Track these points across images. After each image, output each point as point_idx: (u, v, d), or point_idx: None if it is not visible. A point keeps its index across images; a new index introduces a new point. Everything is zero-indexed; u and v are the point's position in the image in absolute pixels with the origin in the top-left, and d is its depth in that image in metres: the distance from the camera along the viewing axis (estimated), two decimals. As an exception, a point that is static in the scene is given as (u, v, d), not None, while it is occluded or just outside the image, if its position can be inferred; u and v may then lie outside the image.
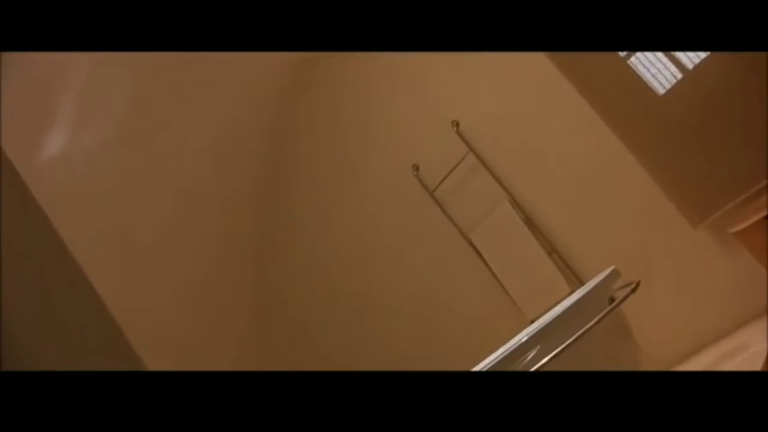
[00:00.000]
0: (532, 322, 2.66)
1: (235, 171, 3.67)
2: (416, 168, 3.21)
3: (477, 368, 1.56)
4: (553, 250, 2.81)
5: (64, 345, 0.98)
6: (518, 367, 1.40)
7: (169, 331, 3.45)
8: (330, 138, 3.56)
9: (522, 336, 1.55)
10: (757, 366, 1.80)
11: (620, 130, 2.54)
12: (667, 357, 2.54)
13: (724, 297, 2.39)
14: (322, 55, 3.38)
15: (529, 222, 2.85)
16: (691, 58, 2.37)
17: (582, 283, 2.67)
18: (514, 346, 1.44)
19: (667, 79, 2.43)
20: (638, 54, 2.48)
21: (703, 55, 2.33)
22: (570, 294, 2.46)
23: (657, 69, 2.46)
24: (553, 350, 1.37)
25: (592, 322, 1.41)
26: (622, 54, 2.48)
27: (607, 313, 1.45)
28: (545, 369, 1.36)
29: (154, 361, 1.18)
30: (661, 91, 2.44)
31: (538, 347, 1.40)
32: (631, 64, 2.49)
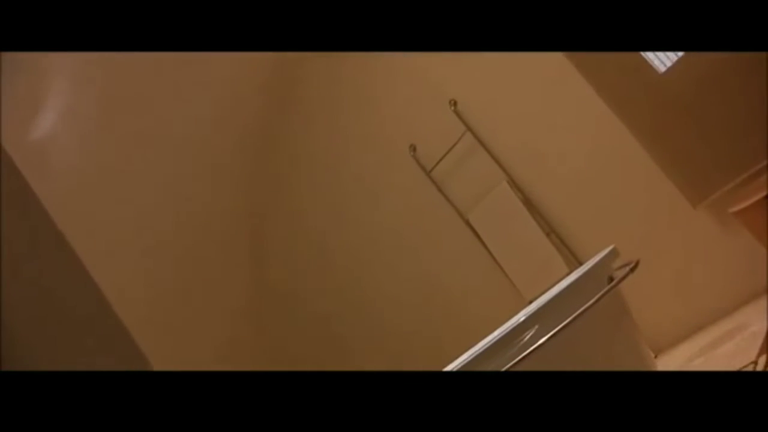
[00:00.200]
0: (531, 302, 2.67)
1: (229, 152, 3.66)
2: (413, 148, 3.20)
3: (474, 348, 1.56)
4: (551, 231, 2.82)
5: (61, 322, 0.98)
6: (516, 347, 1.40)
7: (164, 310, 3.46)
8: (326, 118, 3.54)
9: (520, 316, 1.55)
10: (756, 345, 1.81)
11: (619, 109, 2.53)
12: (667, 337, 2.56)
13: (724, 276, 2.40)
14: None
15: (528, 202, 2.85)
16: (693, 35, 2.35)
17: (580, 264, 2.67)
18: (512, 326, 1.45)
19: (667, 57, 2.42)
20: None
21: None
22: (568, 274, 2.46)
23: (657, 46, 2.45)
24: (551, 330, 1.38)
25: (590, 302, 1.41)
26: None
27: (606, 293, 1.45)
28: (543, 349, 1.36)
29: (149, 343, 1.17)
30: (662, 68, 2.43)
31: (536, 327, 1.40)
32: (631, 41, 2.47)
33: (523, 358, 1.36)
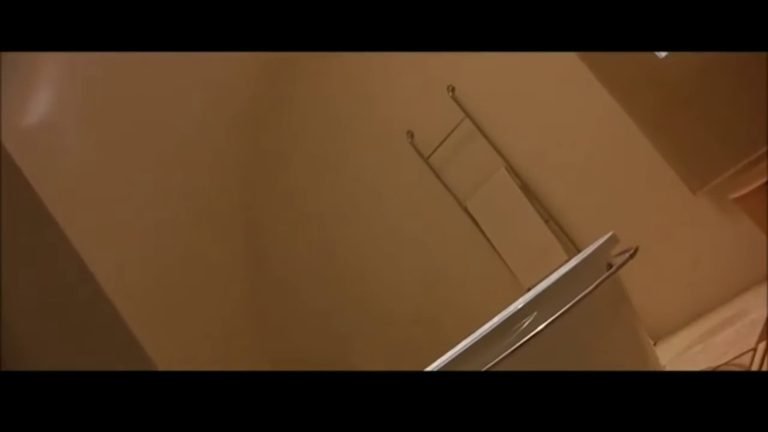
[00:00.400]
0: (529, 290, 2.68)
1: (225, 141, 3.65)
2: (411, 135, 3.20)
3: (473, 336, 1.57)
4: (550, 218, 2.82)
5: (59, 313, 0.99)
6: (514, 334, 1.41)
7: (161, 300, 3.46)
8: (322, 104, 3.53)
9: (518, 303, 1.56)
10: (755, 332, 1.82)
11: (619, 94, 2.53)
12: (667, 324, 2.57)
13: (724, 263, 2.41)
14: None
15: (526, 189, 2.85)
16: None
17: (579, 251, 2.68)
18: (510, 313, 1.45)
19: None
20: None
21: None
22: (567, 262, 2.47)
23: (658, 31, 2.44)
24: (550, 317, 1.38)
25: (589, 289, 1.42)
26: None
27: (605, 279, 1.46)
28: (541, 336, 1.37)
29: (145, 332, 1.18)
30: (662, 54, 2.43)
31: (534, 314, 1.40)
32: (631, 26, 2.47)
33: (521, 345, 1.37)
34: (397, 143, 3.24)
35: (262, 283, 4.05)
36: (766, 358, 1.61)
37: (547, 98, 2.73)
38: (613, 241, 1.65)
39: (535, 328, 1.38)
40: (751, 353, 1.66)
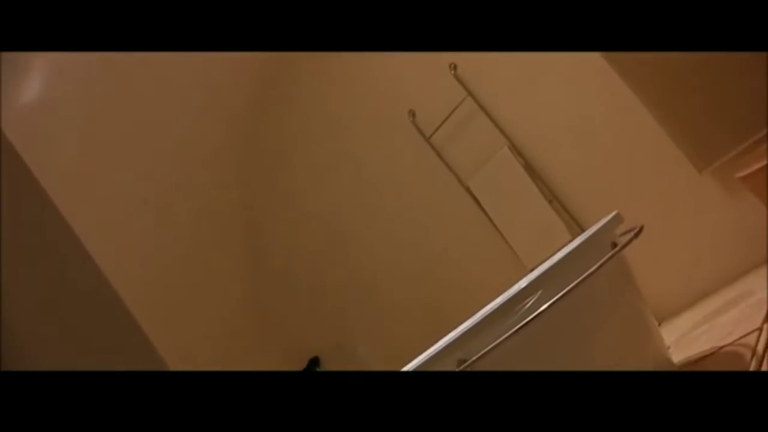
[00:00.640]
0: (532, 271, 2.69)
1: (222, 125, 3.65)
2: (412, 114, 3.19)
3: (476, 316, 1.58)
4: (554, 198, 2.82)
5: (61, 302, 1.00)
6: (518, 314, 1.42)
7: (160, 294, 3.48)
8: (321, 84, 3.52)
9: (522, 282, 1.57)
10: (760, 313, 1.83)
11: (624, 72, 2.52)
12: (671, 304, 2.58)
13: (729, 243, 2.41)
14: None
15: (530, 168, 2.85)
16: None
17: (583, 232, 2.69)
18: (514, 293, 1.46)
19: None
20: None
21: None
22: (571, 242, 2.48)
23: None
24: (554, 296, 1.39)
25: (593, 268, 1.43)
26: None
27: (609, 258, 1.47)
28: (545, 316, 1.38)
29: (146, 321, 1.19)
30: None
31: (539, 293, 1.41)
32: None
33: (525, 325, 1.38)
34: (398, 123, 3.23)
35: (263, 270, 4.07)
36: (771, 338, 1.63)
37: (551, 77, 2.72)
38: (617, 220, 1.66)
39: (539, 307, 1.39)
40: (756, 332, 1.67)
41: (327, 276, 3.89)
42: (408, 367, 1.57)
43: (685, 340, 2.14)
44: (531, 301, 1.41)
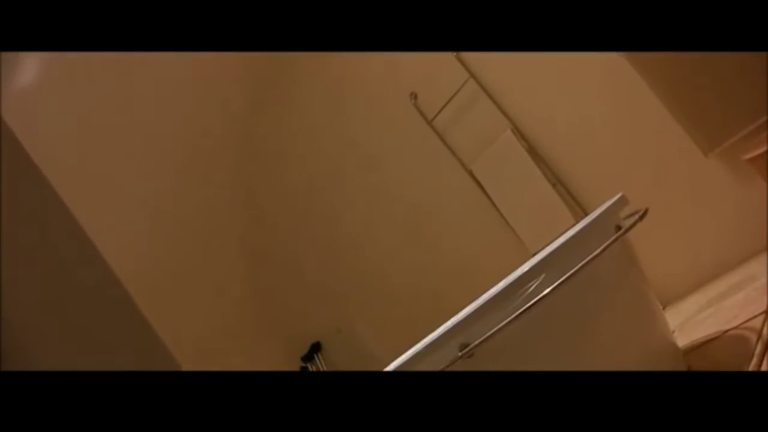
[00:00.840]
0: (535, 255, 2.68)
1: (222, 114, 3.65)
2: (414, 96, 3.18)
3: (479, 300, 1.58)
4: (557, 181, 2.81)
5: (63, 289, 1.00)
6: (521, 297, 1.42)
7: (161, 275, 3.49)
8: (322, 66, 3.50)
9: (525, 266, 1.56)
10: (764, 298, 1.83)
11: (630, 55, 2.50)
12: (676, 288, 2.58)
13: (735, 227, 2.41)
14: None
15: (533, 152, 2.84)
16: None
17: (587, 215, 2.68)
18: (518, 275, 1.46)
19: None
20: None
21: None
22: (574, 226, 2.47)
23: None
24: (557, 280, 1.39)
25: (597, 251, 1.42)
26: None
27: (614, 241, 1.46)
28: (548, 299, 1.37)
29: (148, 307, 1.19)
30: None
31: (542, 276, 1.41)
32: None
33: (528, 308, 1.38)
34: (399, 105, 3.22)
35: (264, 256, 4.08)
36: (777, 321, 1.62)
37: (555, 59, 2.70)
38: (622, 202, 1.65)
39: (542, 291, 1.39)
40: (762, 316, 1.67)
41: (328, 262, 3.90)
42: (410, 353, 1.57)
43: (690, 324, 2.14)
44: (534, 285, 1.41)
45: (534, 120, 2.86)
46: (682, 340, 1.93)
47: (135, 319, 1.07)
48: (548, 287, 1.37)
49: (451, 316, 1.76)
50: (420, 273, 3.50)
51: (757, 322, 1.67)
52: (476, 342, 1.38)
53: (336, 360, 4.00)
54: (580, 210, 2.78)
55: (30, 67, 2.72)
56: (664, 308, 2.58)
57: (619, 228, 1.55)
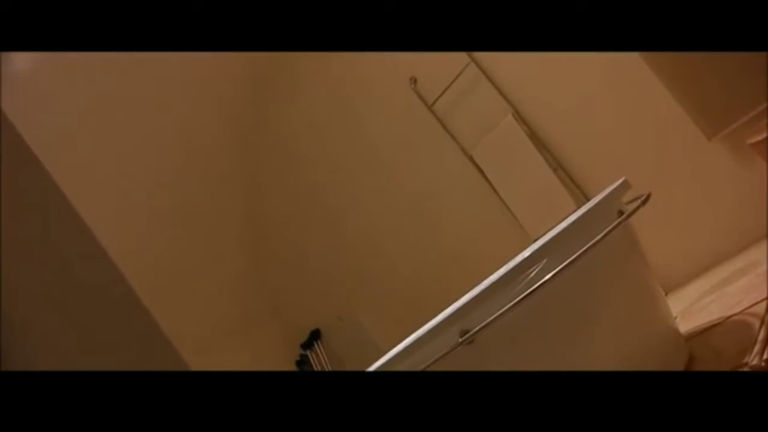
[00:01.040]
0: (536, 241, 2.68)
1: (223, 98, 3.64)
2: (414, 81, 3.16)
3: (481, 286, 1.58)
4: (558, 166, 2.81)
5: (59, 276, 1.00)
6: (522, 283, 1.42)
7: (161, 263, 3.50)
8: (322, 51, 3.48)
9: (527, 251, 1.56)
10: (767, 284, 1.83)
11: (633, 36, 2.49)
12: (679, 274, 2.58)
13: (739, 212, 2.40)
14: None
15: (534, 137, 2.83)
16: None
17: (588, 201, 2.68)
18: (519, 261, 1.46)
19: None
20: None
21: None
22: (576, 211, 2.47)
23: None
24: (559, 265, 1.39)
25: (599, 236, 1.42)
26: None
27: (616, 226, 1.46)
28: (550, 285, 1.37)
29: (148, 295, 1.19)
30: None
31: (544, 261, 1.41)
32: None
33: (529, 294, 1.38)
34: (399, 90, 3.20)
35: (264, 243, 4.08)
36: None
37: (557, 41, 2.69)
38: (624, 187, 1.65)
39: (544, 276, 1.39)
40: (766, 301, 1.67)
41: (328, 249, 3.89)
42: (410, 339, 1.57)
43: (693, 310, 2.14)
44: (535, 270, 1.41)
45: (535, 105, 2.85)
46: (685, 326, 1.93)
47: (136, 308, 1.07)
48: (549, 273, 1.37)
49: (452, 302, 1.76)
50: (420, 259, 3.50)
51: (760, 308, 1.67)
52: (476, 328, 1.38)
53: (336, 347, 4.01)
54: (581, 195, 2.77)
55: (30, 62, 2.72)
56: (666, 294, 2.58)
57: (621, 213, 1.54)
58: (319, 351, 4.00)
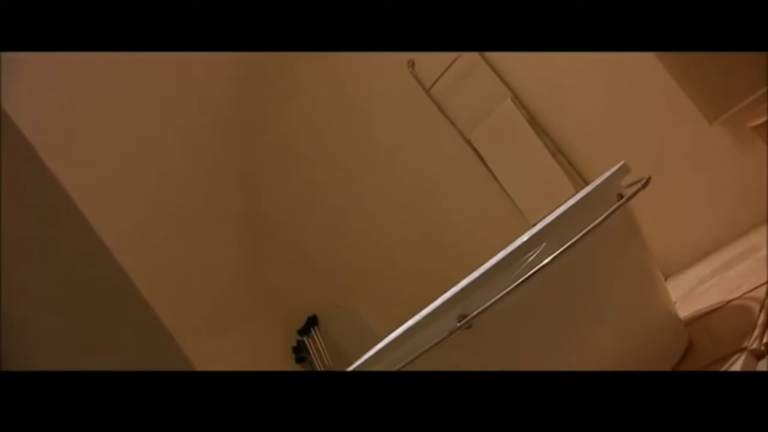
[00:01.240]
0: (535, 226, 2.68)
1: (219, 89, 3.63)
2: (411, 64, 3.14)
3: (478, 271, 1.57)
4: (558, 151, 2.80)
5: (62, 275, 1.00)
6: (521, 267, 1.41)
7: (159, 247, 3.50)
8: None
9: (525, 236, 1.55)
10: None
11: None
12: (679, 258, 2.58)
13: (740, 196, 2.40)
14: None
15: (533, 121, 2.83)
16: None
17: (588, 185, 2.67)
18: (518, 245, 1.45)
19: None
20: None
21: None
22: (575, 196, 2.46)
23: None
24: (557, 249, 1.39)
25: (598, 219, 1.42)
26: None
27: (615, 210, 1.46)
28: (548, 269, 1.37)
29: (146, 287, 1.18)
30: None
31: (543, 245, 1.41)
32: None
33: (528, 278, 1.37)
34: (396, 73, 3.18)
35: (261, 231, 4.08)
36: (780, 291, 1.62)
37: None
38: (624, 170, 1.65)
39: (542, 260, 1.39)
40: (766, 286, 1.67)
41: (325, 235, 3.89)
42: (408, 324, 1.57)
43: (693, 295, 2.14)
44: (534, 254, 1.40)
45: (535, 89, 2.84)
46: (684, 311, 1.93)
47: (131, 298, 1.07)
48: (548, 257, 1.37)
49: (449, 287, 1.76)
50: (417, 245, 3.50)
51: (760, 292, 1.67)
52: (475, 313, 1.38)
53: (333, 333, 4.02)
54: (581, 180, 2.77)
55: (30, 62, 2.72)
56: (666, 279, 2.58)
57: (621, 197, 1.54)
58: (316, 337, 4.01)
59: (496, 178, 3.01)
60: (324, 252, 3.93)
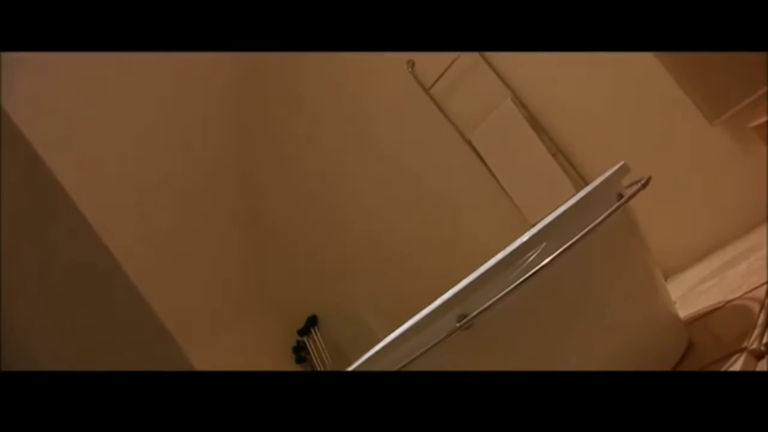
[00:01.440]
0: (535, 226, 2.68)
1: (219, 89, 3.63)
2: (411, 64, 3.14)
3: (478, 271, 1.57)
4: (558, 151, 2.80)
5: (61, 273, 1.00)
6: (521, 267, 1.42)
7: (158, 247, 3.50)
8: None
9: (525, 236, 1.56)
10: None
11: (633, 18, 2.48)
12: (679, 259, 2.58)
13: (740, 196, 2.40)
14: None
15: (533, 121, 2.83)
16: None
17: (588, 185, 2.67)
18: (517, 245, 1.45)
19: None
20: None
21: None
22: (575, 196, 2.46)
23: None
24: (557, 250, 1.39)
25: (599, 219, 1.42)
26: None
27: (615, 210, 1.46)
28: (548, 270, 1.37)
29: (144, 284, 1.18)
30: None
31: (542, 245, 1.41)
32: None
33: (527, 278, 1.37)
34: (396, 73, 3.18)
35: (261, 231, 4.07)
36: (781, 292, 1.62)
37: (556, 23, 2.68)
38: (624, 170, 1.65)
39: (542, 260, 1.39)
40: (766, 286, 1.67)
41: (324, 234, 3.89)
42: (407, 324, 1.57)
43: (692, 295, 2.15)
44: (534, 254, 1.40)
45: (535, 89, 2.84)
46: (684, 311, 1.93)
47: (130, 296, 1.07)
48: (548, 257, 1.37)
49: (449, 288, 1.76)
50: (418, 245, 3.50)
51: (760, 292, 1.67)
52: (474, 313, 1.38)
53: (333, 333, 4.02)
54: (581, 180, 2.77)
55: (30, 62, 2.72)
56: (666, 279, 2.58)
57: (620, 197, 1.54)
58: (316, 337, 4.01)
59: (496, 178, 3.01)
60: (324, 252, 3.93)
